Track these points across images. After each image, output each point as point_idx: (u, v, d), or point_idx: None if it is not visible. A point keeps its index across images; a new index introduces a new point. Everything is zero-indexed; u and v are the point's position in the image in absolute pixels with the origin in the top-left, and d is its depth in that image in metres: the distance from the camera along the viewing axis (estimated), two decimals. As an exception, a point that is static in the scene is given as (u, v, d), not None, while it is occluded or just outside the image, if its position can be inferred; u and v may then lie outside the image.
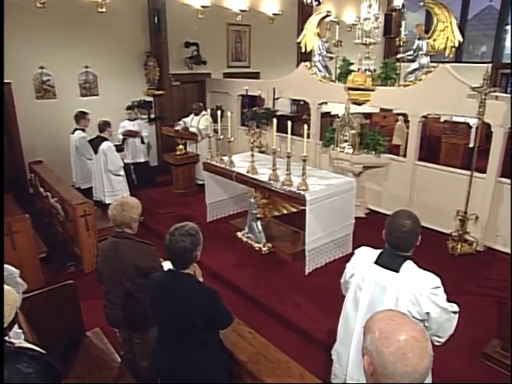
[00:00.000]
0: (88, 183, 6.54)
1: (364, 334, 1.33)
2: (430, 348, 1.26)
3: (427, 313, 2.11)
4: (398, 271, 2.20)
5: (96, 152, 6.06)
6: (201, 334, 2.29)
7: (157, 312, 2.41)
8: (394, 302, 2.17)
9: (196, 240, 2.30)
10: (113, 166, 6.04)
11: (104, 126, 6.08)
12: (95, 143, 6.08)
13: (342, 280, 2.55)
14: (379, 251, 2.34)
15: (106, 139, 6.04)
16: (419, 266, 2.24)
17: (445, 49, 5.64)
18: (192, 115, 7.82)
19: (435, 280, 2.15)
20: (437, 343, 2.20)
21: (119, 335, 3.17)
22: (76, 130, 6.53)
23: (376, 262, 2.29)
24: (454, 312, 2.18)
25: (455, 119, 8.71)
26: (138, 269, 2.78)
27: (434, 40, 5.72)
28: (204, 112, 7.72)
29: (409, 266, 2.21)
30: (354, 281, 2.37)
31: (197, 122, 7.65)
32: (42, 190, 6.20)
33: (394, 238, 2.23)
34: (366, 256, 2.38)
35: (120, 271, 2.81)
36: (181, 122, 7.61)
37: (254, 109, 7.89)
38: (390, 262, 2.24)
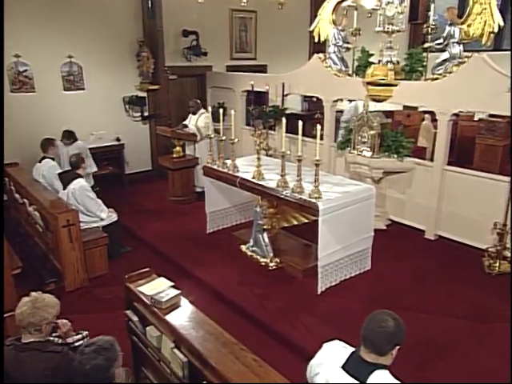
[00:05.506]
0: None
1: None
2: None
3: None
4: (364, 382, 2.06)
5: (65, 188, 5.70)
6: None
7: None
8: None
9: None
10: (90, 209, 5.62)
11: (77, 162, 5.72)
12: (66, 178, 5.76)
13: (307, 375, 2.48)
14: (350, 351, 2.22)
15: (79, 176, 5.69)
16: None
17: (482, 35, 5.55)
18: (190, 115, 7.88)
19: None
20: None
21: None
22: (44, 158, 6.32)
23: (343, 367, 2.16)
24: None
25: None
26: None
27: (469, 25, 5.65)
28: (202, 110, 7.77)
29: (378, 377, 2.06)
30: (318, 381, 2.29)
31: (195, 122, 7.69)
32: (17, 196, 6.23)
33: (370, 332, 2.10)
34: (334, 356, 2.26)
35: None
36: (185, 124, 7.69)
37: (261, 106, 7.92)
38: (356, 368, 2.11)
